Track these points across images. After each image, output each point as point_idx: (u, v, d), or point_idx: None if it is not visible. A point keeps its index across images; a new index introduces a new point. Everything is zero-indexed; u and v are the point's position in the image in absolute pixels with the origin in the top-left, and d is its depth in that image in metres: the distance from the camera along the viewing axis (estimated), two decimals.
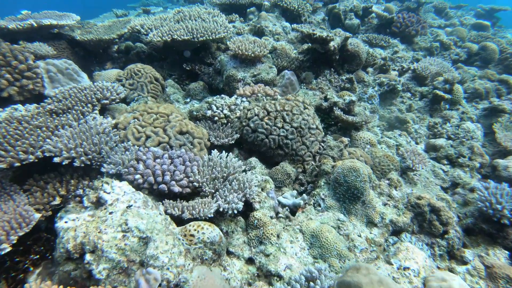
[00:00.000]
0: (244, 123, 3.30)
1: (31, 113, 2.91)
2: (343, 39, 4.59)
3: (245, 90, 3.75)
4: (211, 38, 4.70)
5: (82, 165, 2.51)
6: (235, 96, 3.77)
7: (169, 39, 4.58)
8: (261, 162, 3.29)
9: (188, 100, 4.51)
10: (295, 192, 3.07)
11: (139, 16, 8.36)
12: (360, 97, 4.77)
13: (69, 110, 2.95)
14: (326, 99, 4.26)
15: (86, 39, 4.85)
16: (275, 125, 3.21)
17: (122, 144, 2.63)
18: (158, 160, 2.55)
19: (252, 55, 4.11)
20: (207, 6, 8.18)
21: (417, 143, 4.29)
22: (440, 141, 4.02)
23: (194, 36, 4.62)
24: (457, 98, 5.04)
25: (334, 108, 4.01)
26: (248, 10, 6.79)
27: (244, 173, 2.94)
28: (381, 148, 3.91)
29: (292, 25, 5.78)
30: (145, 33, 4.90)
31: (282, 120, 3.23)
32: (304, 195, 2.95)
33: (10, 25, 4.46)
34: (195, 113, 3.83)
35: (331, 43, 4.39)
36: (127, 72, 4.30)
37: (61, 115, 2.89)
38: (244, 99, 3.72)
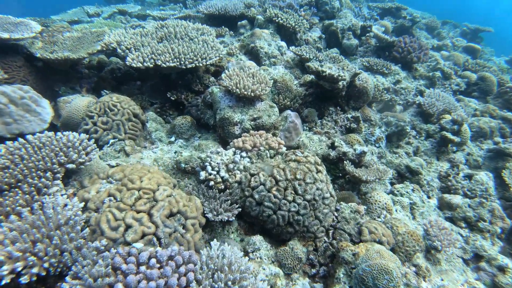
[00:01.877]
0: (247, 193, 2.71)
1: None
2: (352, 75, 4.09)
3: (245, 143, 3.14)
4: (201, 64, 4.04)
5: (34, 278, 1.84)
6: (233, 149, 3.16)
7: (152, 65, 3.86)
8: (265, 238, 2.74)
9: (173, 139, 3.84)
10: (307, 282, 2.55)
11: (114, 18, 7.44)
12: (367, 138, 4.31)
13: (19, 184, 2.22)
14: (333, 146, 3.76)
15: (48, 57, 4.00)
16: (285, 198, 2.64)
17: (93, 244, 1.96)
18: (142, 269, 1.92)
19: (252, 94, 3.50)
20: (191, 11, 7.40)
21: (429, 197, 3.90)
22: (457, 200, 3.65)
23: (182, 62, 3.94)
24: (464, 140, 4.72)
25: (344, 161, 3.53)
26: (239, 23, 6.11)
27: (248, 259, 2.38)
28: (396, 210, 3.47)
29: (291, 48, 5.22)
30: (122, 53, 4.12)
31: (293, 192, 2.67)
32: None
33: None
34: (183, 165, 3.20)
35: (341, 82, 3.87)
36: (100, 106, 3.54)
37: (5, 193, 2.15)
38: (243, 153, 3.12)
